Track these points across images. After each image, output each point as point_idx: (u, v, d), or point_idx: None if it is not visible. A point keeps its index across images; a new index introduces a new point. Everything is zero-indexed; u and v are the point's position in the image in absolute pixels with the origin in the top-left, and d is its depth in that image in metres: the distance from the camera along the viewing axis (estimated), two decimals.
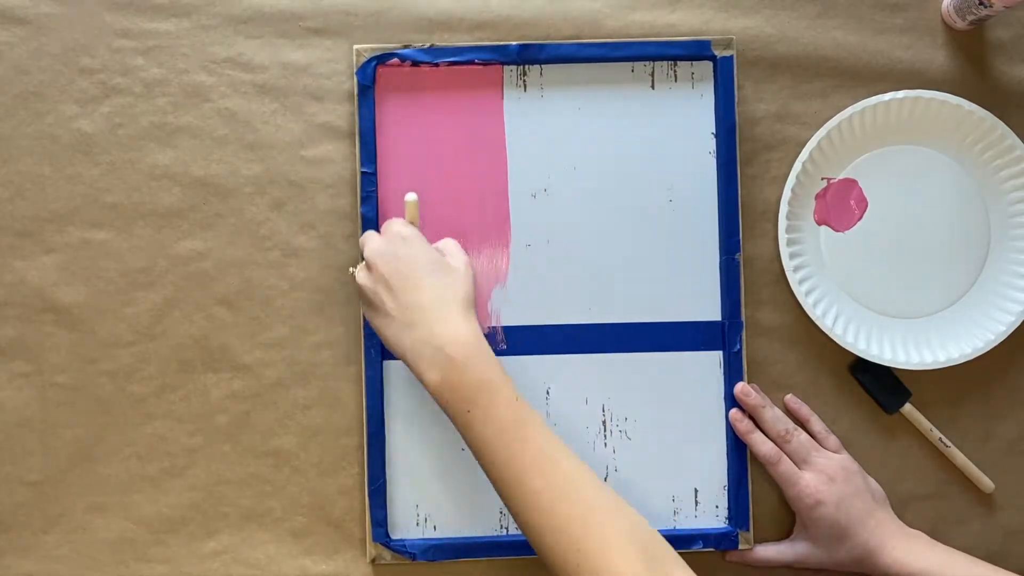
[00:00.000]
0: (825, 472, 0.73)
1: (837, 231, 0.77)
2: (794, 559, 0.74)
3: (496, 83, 0.76)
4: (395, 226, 0.68)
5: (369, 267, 0.67)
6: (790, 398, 0.77)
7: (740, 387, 0.75)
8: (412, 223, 0.69)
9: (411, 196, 0.70)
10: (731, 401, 0.76)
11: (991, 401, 0.78)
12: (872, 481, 0.75)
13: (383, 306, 0.65)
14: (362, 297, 0.67)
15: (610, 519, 0.60)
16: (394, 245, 0.67)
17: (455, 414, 0.64)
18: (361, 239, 0.70)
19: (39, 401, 0.75)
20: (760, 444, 0.74)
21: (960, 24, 0.77)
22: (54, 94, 0.76)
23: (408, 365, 0.65)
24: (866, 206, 0.77)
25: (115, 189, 0.76)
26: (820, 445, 0.75)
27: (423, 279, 0.65)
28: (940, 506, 0.77)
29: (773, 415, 0.75)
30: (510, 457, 0.62)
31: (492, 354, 0.64)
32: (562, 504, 0.60)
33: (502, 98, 0.76)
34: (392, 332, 0.65)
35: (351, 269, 0.69)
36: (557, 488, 0.61)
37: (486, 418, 0.63)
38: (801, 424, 0.76)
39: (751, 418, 0.75)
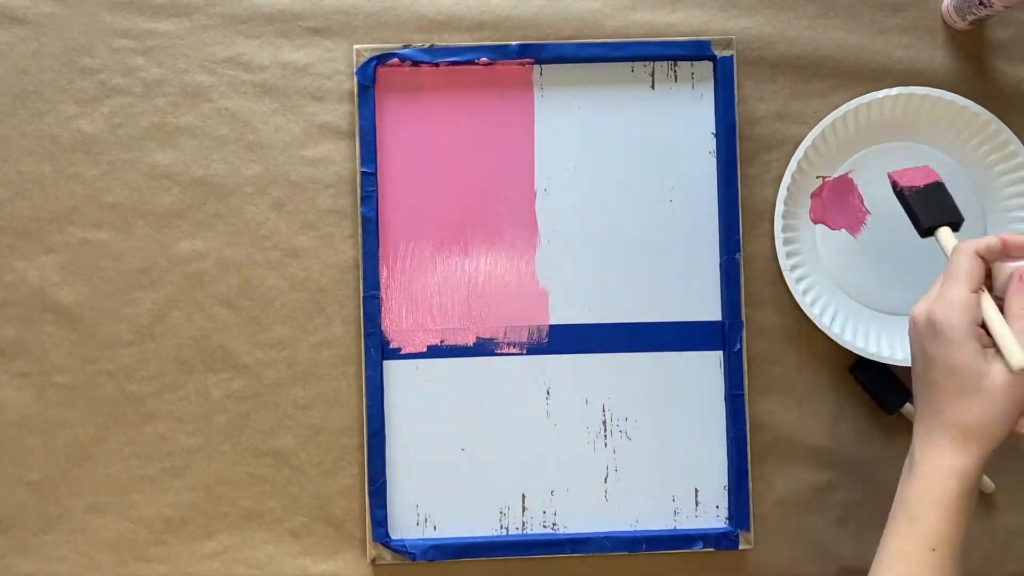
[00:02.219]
0: None
1: (833, 229, 0.77)
2: None
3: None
4: (945, 305, 0.56)
5: (911, 320, 0.59)
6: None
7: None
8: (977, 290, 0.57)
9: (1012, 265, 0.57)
10: (731, 401, 0.76)
11: None
12: None
13: (913, 365, 0.60)
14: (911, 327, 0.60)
15: None
16: (925, 333, 0.57)
17: (894, 504, 0.60)
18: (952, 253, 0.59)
19: (39, 401, 0.75)
20: None
21: (960, 24, 0.77)
22: (54, 94, 0.76)
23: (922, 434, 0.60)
24: (862, 204, 0.77)
25: (115, 189, 0.76)
26: None
27: (934, 390, 0.57)
28: None
29: None
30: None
31: (948, 500, 0.57)
32: None
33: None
34: (914, 387, 0.61)
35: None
36: None
37: (892, 532, 0.58)
38: None
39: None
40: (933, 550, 0.56)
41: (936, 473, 0.57)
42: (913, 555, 0.56)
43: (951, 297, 0.57)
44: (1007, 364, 0.56)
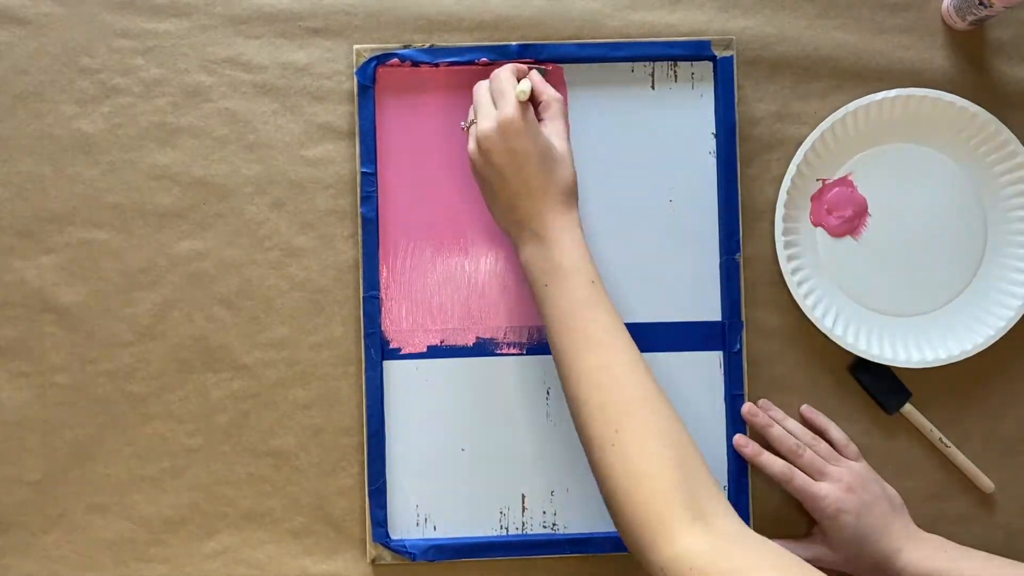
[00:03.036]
0: (843, 481, 0.72)
1: (833, 236, 0.77)
2: (809, 559, 0.74)
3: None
4: (508, 109, 0.66)
5: (480, 148, 0.67)
6: (805, 408, 0.77)
7: (747, 408, 0.75)
8: (523, 98, 0.67)
9: (527, 81, 0.68)
10: (731, 401, 0.76)
11: (991, 401, 0.78)
12: (889, 488, 0.75)
13: (491, 187, 0.69)
14: (473, 166, 0.69)
15: (652, 414, 0.62)
16: (507, 137, 0.66)
17: (536, 288, 0.67)
18: (476, 97, 0.69)
19: (39, 401, 0.75)
20: (770, 464, 0.74)
21: (960, 24, 0.77)
22: (54, 94, 0.76)
23: (510, 239, 0.70)
24: (863, 206, 0.77)
25: (115, 189, 0.76)
26: (840, 454, 0.75)
27: (533, 174, 0.67)
28: (940, 506, 0.77)
29: (780, 432, 0.75)
30: (574, 330, 0.65)
31: (583, 244, 0.67)
32: (612, 384, 0.63)
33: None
34: (497, 210, 0.70)
35: (463, 124, 0.72)
36: (610, 369, 0.63)
37: (561, 293, 0.66)
38: (819, 433, 0.76)
39: (762, 435, 0.75)
40: (592, 283, 0.66)
41: (567, 232, 0.67)
42: (581, 295, 0.65)
43: (511, 100, 0.66)
44: (558, 131, 0.69)
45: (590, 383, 0.63)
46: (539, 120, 0.69)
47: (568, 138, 0.69)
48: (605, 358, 0.64)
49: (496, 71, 0.70)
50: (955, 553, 0.71)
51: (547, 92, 0.70)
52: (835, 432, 0.76)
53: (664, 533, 0.57)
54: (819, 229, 0.77)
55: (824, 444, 0.75)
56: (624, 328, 0.65)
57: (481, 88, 0.70)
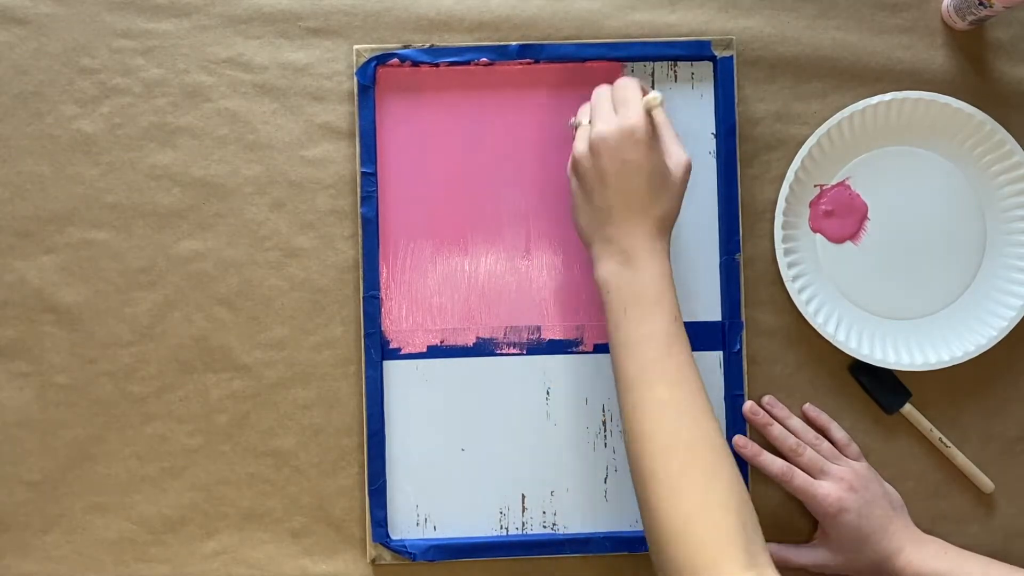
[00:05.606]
0: (844, 480, 0.72)
1: (833, 242, 0.77)
2: (812, 563, 0.74)
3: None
4: (633, 117, 0.65)
5: (592, 150, 0.66)
6: (808, 407, 0.77)
7: (748, 406, 0.75)
8: (654, 105, 0.66)
9: (658, 94, 0.67)
10: (731, 401, 0.76)
11: (991, 401, 0.78)
12: (889, 488, 0.75)
13: (588, 193, 0.67)
14: (574, 164, 0.68)
15: (718, 459, 0.60)
16: (625, 145, 0.64)
17: (612, 310, 0.65)
18: (596, 99, 0.68)
19: (39, 401, 0.75)
20: (770, 464, 0.74)
21: (960, 24, 0.77)
22: (54, 94, 0.76)
23: (587, 249, 0.68)
24: (863, 211, 0.77)
25: (115, 189, 0.76)
26: (841, 453, 0.75)
27: (638, 190, 0.65)
28: (940, 506, 0.77)
29: (780, 431, 0.75)
30: (650, 362, 0.63)
31: (670, 277, 0.65)
32: (680, 423, 0.61)
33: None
34: (585, 218, 0.68)
35: (571, 122, 0.70)
36: (680, 407, 0.62)
37: (641, 321, 0.64)
38: (821, 432, 0.76)
39: (763, 435, 0.75)
40: (675, 319, 0.64)
41: (658, 259, 0.65)
42: (662, 328, 0.64)
43: (637, 110, 0.65)
44: (678, 161, 0.67)
45: (657, 418, 0.62)
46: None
47: (687, 169, 0.67)
48: (678, 396, 0.62)
49: (621, 80, 0.68)
50: (955, 555, 0.71)
51: (664, 116, 0.69)
52: (837, 432, 0.76)
53: None
54: (818, 235, 0.77)
55: (827, 444, 0.75)
56: (697, 370, 0.64)
57: (602, 92, 0.68)
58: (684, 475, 0.60)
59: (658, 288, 0.64)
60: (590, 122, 0.67)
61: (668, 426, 0.61)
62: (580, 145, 0.67)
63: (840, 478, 0.72)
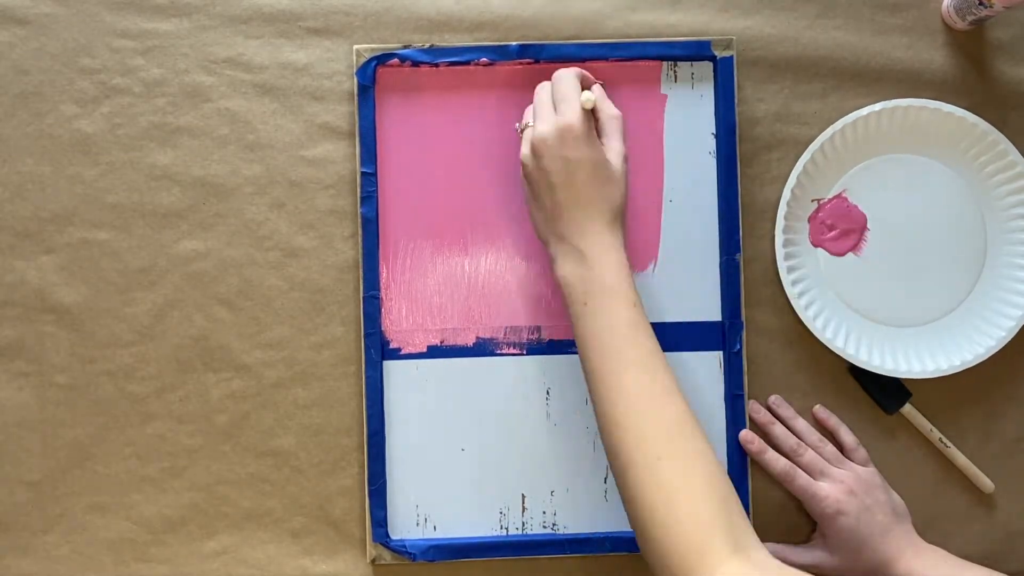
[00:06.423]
0: (844, 483, 0.73)
1: (834, 255, 0.77)
2: (809, 564, 0.74)
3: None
4: (569, 115, 0.65)
5: (534, 152, 0.67)
6: (818, 408, 0.77)
7: (751, 405, 0.76)
8: (588, 106, 0.66)
9: (596, 88, 0.68)
10: (731, 401, 0.76)
11: (991, 401, 0.78)
12: (895, 496, 0.75)
13: (538, 195, 0.68)
14: (523, 170, 0.68)
15: (692, 441, 0.61)
16: (564, 144, 0.65)
17: (573, 306, 0.66)
18: (537, 99, 0.68)
19: (39, 401, 0.75)
20: (773, 463, 0.74)
21: (960, 24, 0.77)
22: (54, 94, 0.76)
23: (545, 248, 0.69)
24: (862, 221, 0.77)
25: (115, 189, 0.76)
26: (848, 458, 0.75)
27: (583, 186, 0.66)
28: (940, 506, 0.77)
29: (782, 431, 0.75)
30: (614, 351, 0.63)
31: (626, 266, 0.66)
32: (652, 409, 0.62)
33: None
34: (540, 219, 0.68)
35: (517, 125, 0.70)
36: (651, 393, 0.62)
37: (601, 313, 0.64)
38: (830, 435, 0.76)
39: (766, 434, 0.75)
40: (634, 305, 0.64)
41: (612, 251, 0.65)
42: (622, 316, 0.64)
43: (574, 107, 0.66)
44: (617, 152, 0.67)
45: (629, 407, 0.62)
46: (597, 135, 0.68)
47: (625, 159, 0.68)
48: (645, 382, 0.63)
49: (559, 74, 0.69)
50: (955, 564, 0.70)
51: (608, 109, 0.69)
52: (846, 435, 0.76)
53: (704, 563, 0.56)
54: (819, 248, 0.77)
55: (831, 447, 0.75)
56: (662, 353, 0.64)
57: (542, 91, 0.69)
58: (661, 460, 0.60)
59: (615, 278, 0.65)
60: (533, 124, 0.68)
61: (641, 413, 0.62)
62: (524, 148, 0.68)
63: (840, 481, 0.72)
